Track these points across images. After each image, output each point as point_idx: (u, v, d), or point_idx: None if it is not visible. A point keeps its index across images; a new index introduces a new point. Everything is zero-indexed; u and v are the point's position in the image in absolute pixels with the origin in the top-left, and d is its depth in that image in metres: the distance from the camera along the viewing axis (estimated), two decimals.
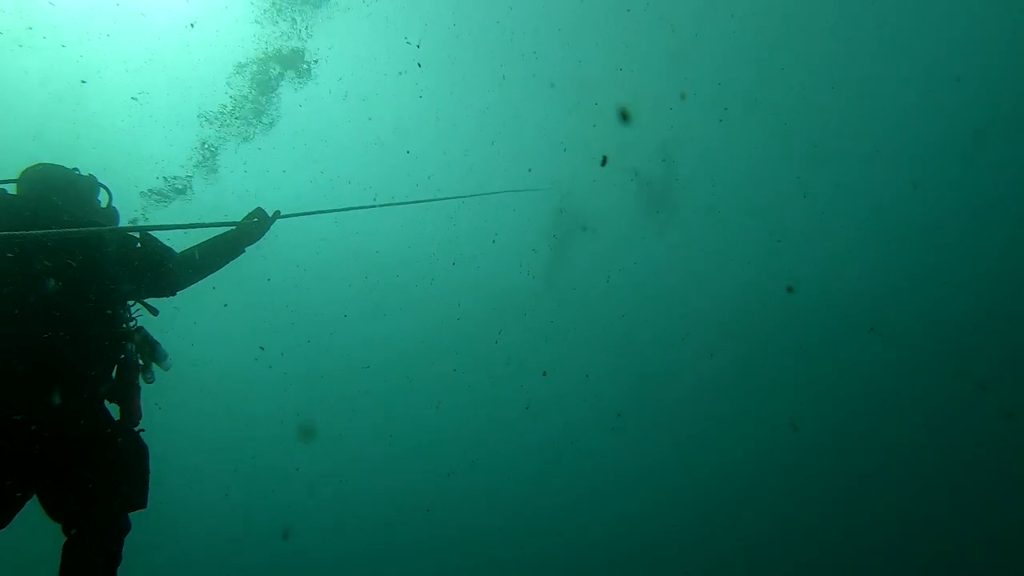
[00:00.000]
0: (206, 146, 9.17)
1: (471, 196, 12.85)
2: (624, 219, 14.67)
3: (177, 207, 7.40)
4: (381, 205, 5.31)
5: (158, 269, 3.13)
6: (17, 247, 2.71)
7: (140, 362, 3.10)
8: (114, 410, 3.11)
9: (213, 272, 3.44)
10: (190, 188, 7.97)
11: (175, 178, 7.74)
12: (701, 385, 15.43)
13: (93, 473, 2.86)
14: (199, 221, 3.27)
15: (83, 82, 11.49)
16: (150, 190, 7.45)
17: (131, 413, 3.05)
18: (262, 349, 15.20)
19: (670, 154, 14.21)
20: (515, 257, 14.91)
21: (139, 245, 3.10)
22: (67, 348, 2.76)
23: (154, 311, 3.27)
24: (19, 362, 2.65)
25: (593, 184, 14.38)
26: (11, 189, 3.06)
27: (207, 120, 9.31)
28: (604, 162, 14.28)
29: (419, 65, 12.60)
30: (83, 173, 3.25)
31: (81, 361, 2.83)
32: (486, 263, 15.00)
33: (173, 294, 3.27)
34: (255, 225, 3.61)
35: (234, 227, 3.53)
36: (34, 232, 2.46)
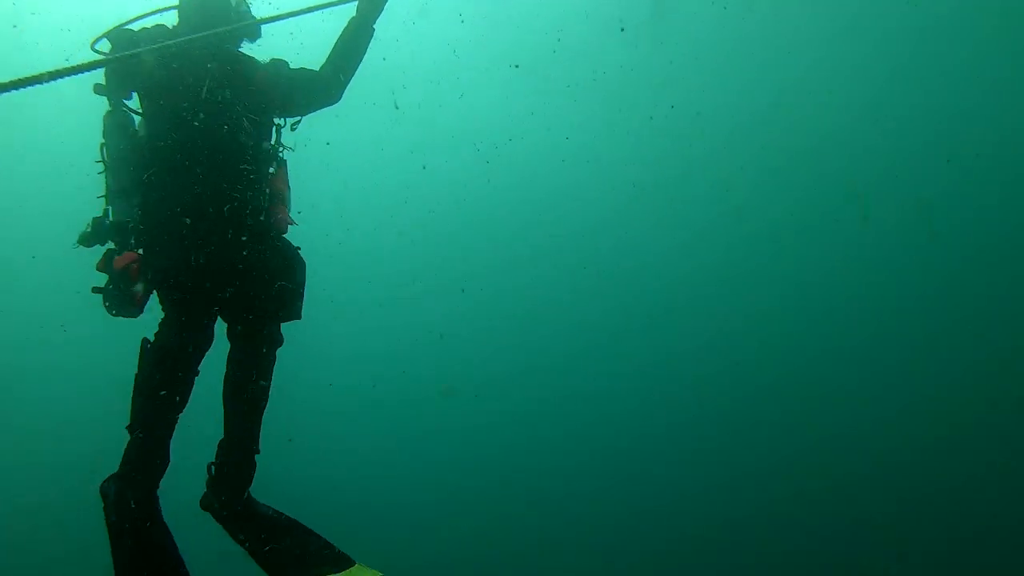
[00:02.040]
0: None
1: None
2: None
3: None
4: None
5: (327, 79, 3.31)
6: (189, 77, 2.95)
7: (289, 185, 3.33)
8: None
9: (359, 64, 3.42)
10: None
11: None
12: None
13: (266, 287, 3.14)
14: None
15: None
16: None
17: (283, 231, 3.24)
18: None
19: None
20: None
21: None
22: (241, 173, 3.03)
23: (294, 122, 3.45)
24: (196, 193, 2.93)
25: None
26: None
27: None
28: None
29: None
30: None
31: (252, 185, 3.08)
32: None
33: (339, 99, 3.42)
34: None
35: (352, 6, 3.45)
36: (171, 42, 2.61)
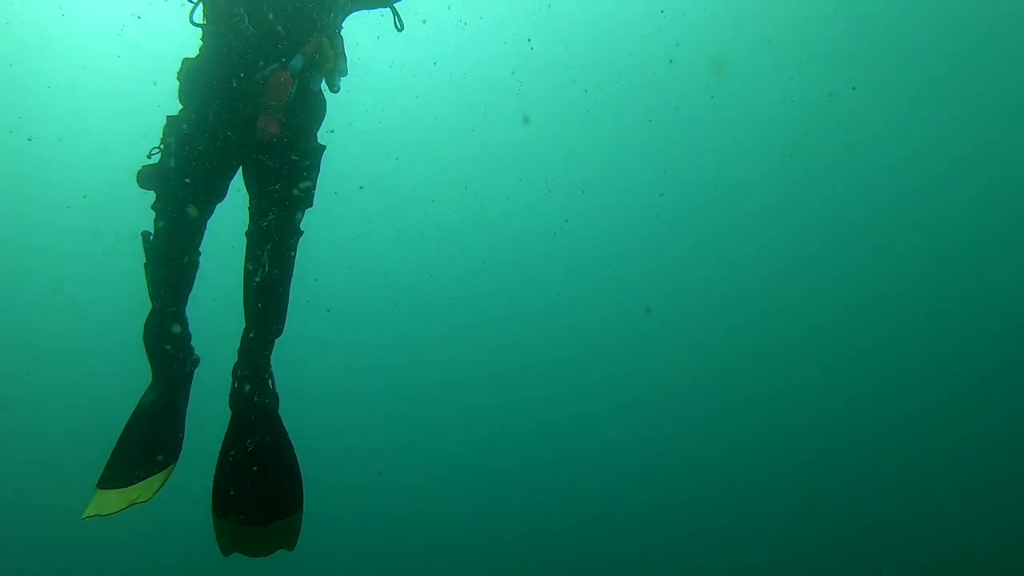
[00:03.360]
0: None
1: None
2: None
3: None
4: None
5: None
6: None
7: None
8: None
9: None
10: None
11: None
12: None
13: (288, 163, 3.13)
14: None
15: None
16: None
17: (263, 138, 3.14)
18: None
19: None
20: None
21: None
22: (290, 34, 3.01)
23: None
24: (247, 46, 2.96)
25: None
26: None
27: None
28: None
29: None
30: None
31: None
32: None
33: None
34: None
35: None
36: None
